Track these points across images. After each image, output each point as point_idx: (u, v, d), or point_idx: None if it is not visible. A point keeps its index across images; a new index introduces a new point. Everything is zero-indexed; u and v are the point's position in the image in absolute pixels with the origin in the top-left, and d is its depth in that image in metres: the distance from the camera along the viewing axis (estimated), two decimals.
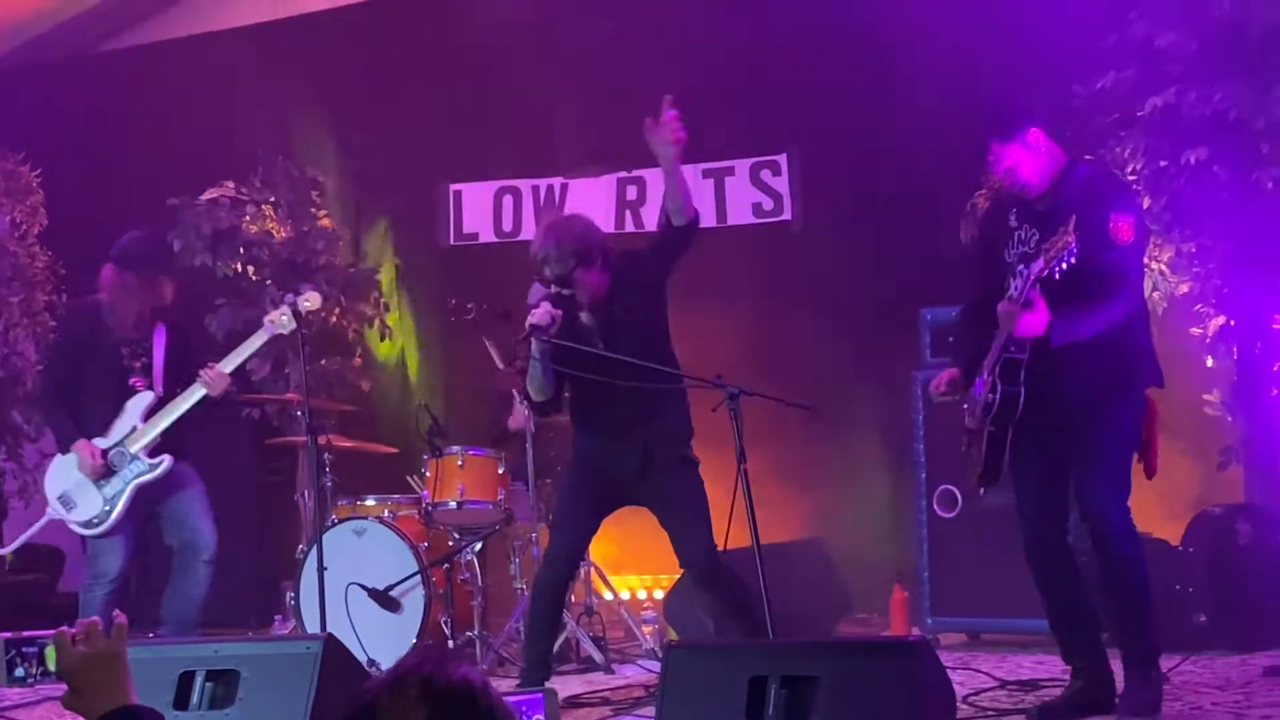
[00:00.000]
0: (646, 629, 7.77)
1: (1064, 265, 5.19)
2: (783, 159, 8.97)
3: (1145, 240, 5.87)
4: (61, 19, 11.08)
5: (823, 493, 8.46)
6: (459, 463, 7.57)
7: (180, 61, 10.64)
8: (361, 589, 7.33)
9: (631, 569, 8.97)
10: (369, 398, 9.35)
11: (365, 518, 7.60)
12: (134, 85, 10.74)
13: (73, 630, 2.82)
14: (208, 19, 10.88)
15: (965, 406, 5.64)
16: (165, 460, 6.96)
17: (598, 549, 8.02)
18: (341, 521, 7.60)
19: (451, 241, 9.82)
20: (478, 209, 9.81)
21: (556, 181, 9.60)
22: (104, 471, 6.93)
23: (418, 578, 7.31)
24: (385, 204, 9.92)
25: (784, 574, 6.74)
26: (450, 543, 7.63)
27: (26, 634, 7.23)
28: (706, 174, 9.24)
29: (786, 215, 8.77)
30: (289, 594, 7.77)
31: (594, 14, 9.49)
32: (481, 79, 9.65)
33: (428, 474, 7.65)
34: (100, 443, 6.94)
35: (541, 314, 5.85)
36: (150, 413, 6.98)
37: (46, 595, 10.23)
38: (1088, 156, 7.58)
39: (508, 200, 9.73)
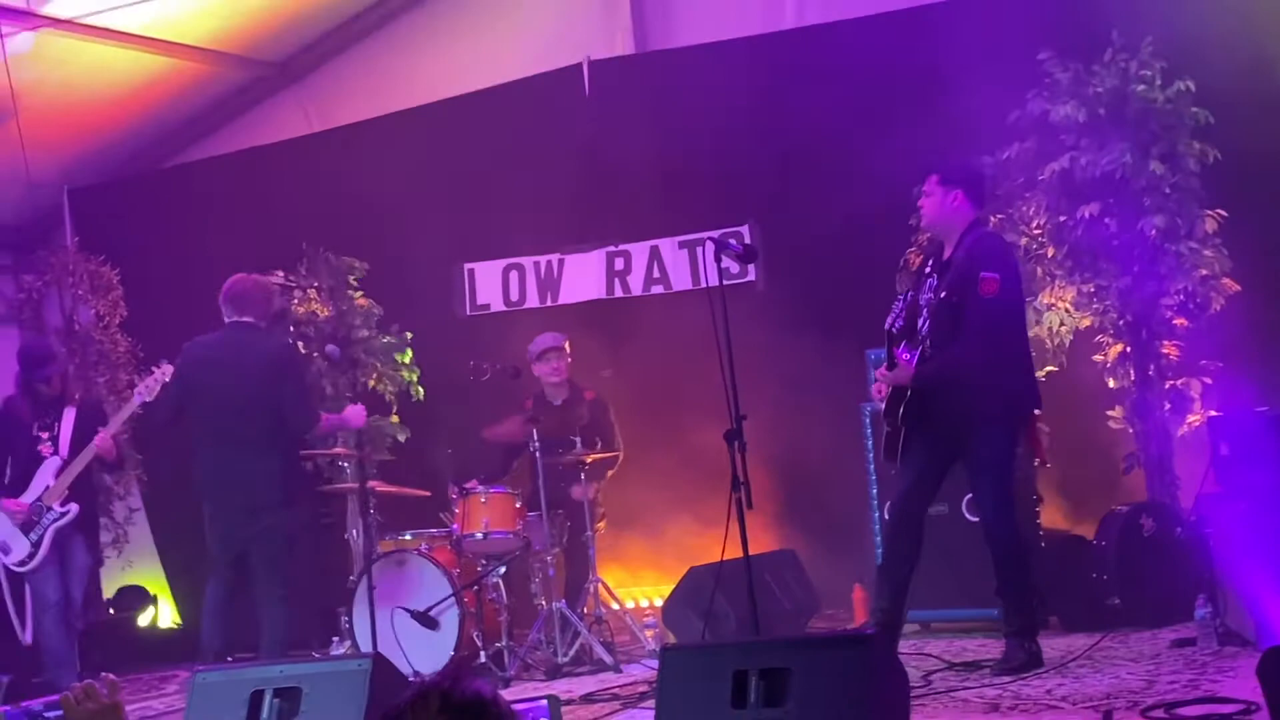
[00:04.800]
0: (648, 633, 7.75)
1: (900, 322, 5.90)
2: (745, 229, 9.02)
3: (1010, 297, 6.00)
4: (135, 140, 11.17)
5: (792, 509, 8.48)
6: (482, 499, 7.59)
7: (233, 171, 10.72)
8: (405, 611, 7.36)
9: (635, 583, 8.98)
10: (405, 448, 9.35)
11: (405, 550, 7.62)
12: (196, 192, 10.80)
13: (74, 692, 2.85)
14: (256, 135, 10.96)
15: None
16: (71, 508, 7.45)
17: (605, 569, 8.05)
18: (385, 554, 7.62)
19: (468, 312, 9.85)
20: (488, 283, 9.84)
21: (555, 257, 9.63)
22: (29, 520, 7.46)
23: (452, 599, 7.33)
24: (410, 282, 9.94)
25: (764, 580, 6.79)
26: (478, 568, 7.64)
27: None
28: (682, 244, 9.29)
29: (751, 277, 8.81)
30: (344, 618, 7.77)
31: (578, 118, 9.55)
32: (487, 176, 9.71)
33: (456, 510, 7.67)
34: (19, 501, 7.48)
35: None
36: (58, 472, 7.47)
37: (141, 634, 10.22)
38: (999, 215, 7.70)
39: (514, 275, 9.77)
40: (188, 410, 7.11)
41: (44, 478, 7.52)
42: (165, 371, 7.29)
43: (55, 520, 7.46)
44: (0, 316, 10.93)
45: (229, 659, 6.89)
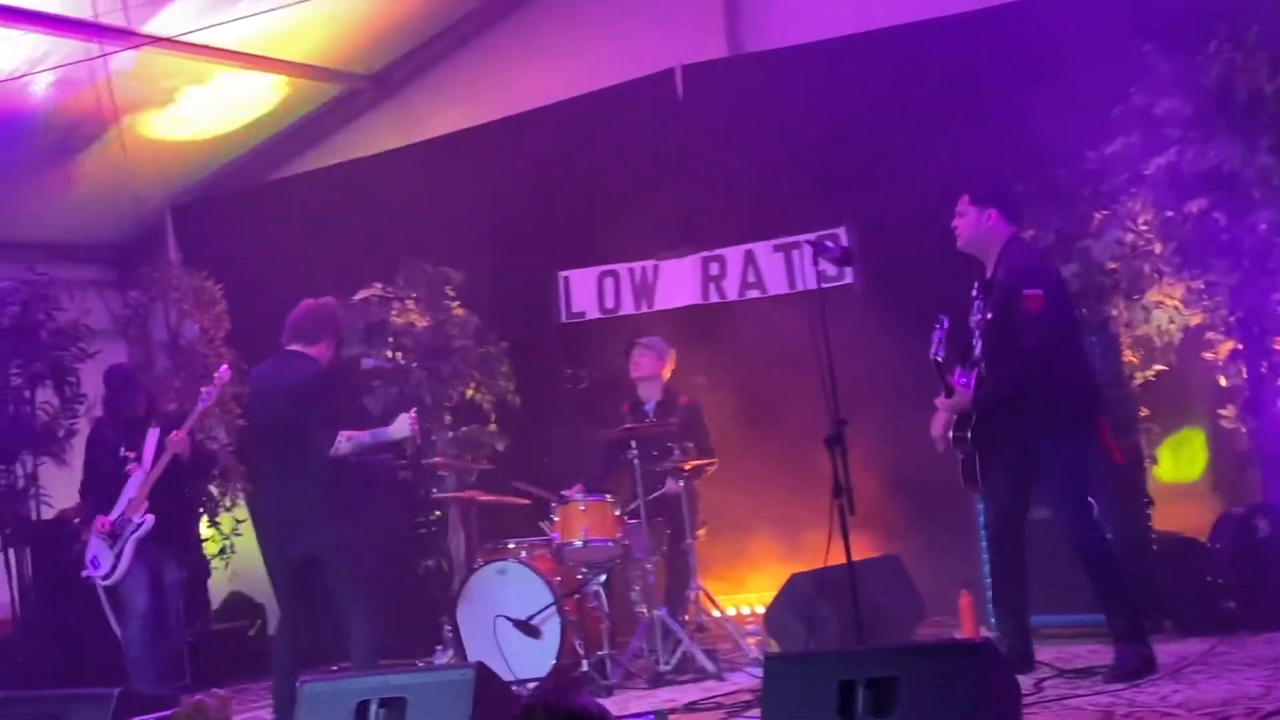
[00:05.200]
0: (750, 640, 7.70)
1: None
2: (841, 231, 8.90)
3: (1056, 309, 6.01)
4: (234, 156, 11.32)
5: (895, 514, 8.34)
6: (581, 508, 7.57)
7: (331, 185, 10.80)
8: (507, 619, 7.34)
9: (735, 590, 8.89)
10: (504, 457, 9.35)
11: (506, 559, 7.61)
12: (295, 206, 10.91)
13: (185, 708, 2.84)
14: (352, 148, 11.05)
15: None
16: (147, 519, 7.68)
17: (705, 574, 7.98)
18: (487, 563, 7.62)
19: (563, 320, 9.84)
20: (584, 291, 9.82)
21: (650, 263, 9.58)
22: (113, 535, 7.70)
23: (554, 607, 7.31)
24: (506, 291, 9.95)
25: (869, 587, 6.68)
26: (579, 576, 7.61)
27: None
28: (777, 248, 9.20)
29: (849, 280, 8.67)
30: (446, 626, 7.78)
31: (672, 123, 9.50)
32: (581, 184, 9.70)
33: (556, 519, 7.65)
34: (108, 517, 7.73)
35: None
36: (141, 485, 7.72)
37: (247, 644, 10.31)
38: (1103, 211, 7.53)
39: (609, 282, 9.73)
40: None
41: (128, 492, 7.77)
42: (224, 374, 7.82)
43: (134, 531, 7.68)
44: (107, 331, 11.09)
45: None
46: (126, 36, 8.77)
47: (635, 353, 8.35)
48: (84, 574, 7.89)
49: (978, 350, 6.05)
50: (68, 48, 8.66)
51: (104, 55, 8.54)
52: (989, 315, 5.98)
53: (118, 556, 7.71)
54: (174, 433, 7.75)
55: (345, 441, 6.68)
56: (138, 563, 7.71)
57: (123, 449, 7.88)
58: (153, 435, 7.85)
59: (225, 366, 7.90)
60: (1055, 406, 5.91)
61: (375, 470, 7.98)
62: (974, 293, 6.19)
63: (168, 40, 9.07)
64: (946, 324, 6.02)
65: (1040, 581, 6.52)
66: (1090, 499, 6.06)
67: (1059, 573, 6.75)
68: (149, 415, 8.04)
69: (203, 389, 7.83)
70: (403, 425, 6.80)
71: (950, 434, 6.11)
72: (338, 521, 6.82)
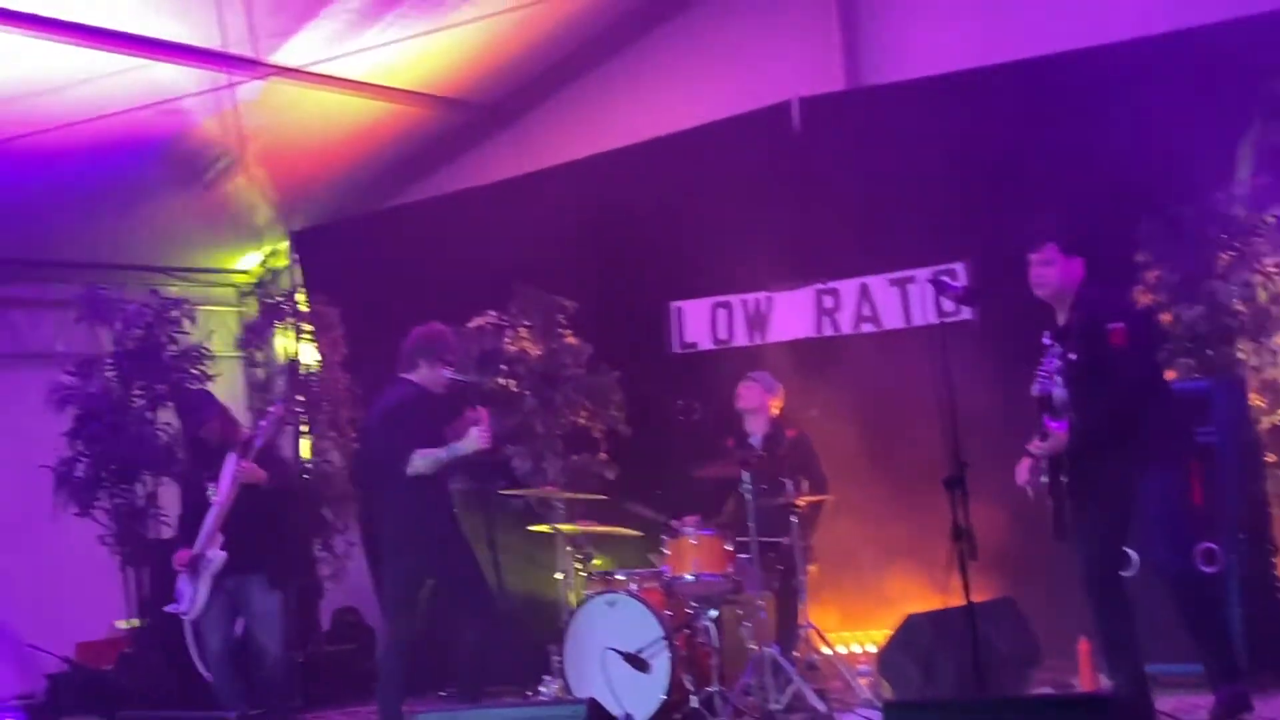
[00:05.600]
0: (862, 680, 7.58)
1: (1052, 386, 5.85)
2: (960, 266, 8.78)
3: (1142, 342, 5.99)
4: (354, 183, 11.48)
5: (1011, 555, 8.19)
6: (693, 541, 7.53)
7: (447, 212, 10.89)
8: (615, 652, 7.31)
9: (844, 628, 8.77)
10: (614, 486, 9.33)
11: (616, 591, 7.59)
12: (412, 233, 11.01)
13: None
14: (468, 176, 11.15)
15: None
16: (218, 555, 7.48)
17: (816, 611, 7.90)
18: (597, 594, 7.60)
19: (676, 350, 9.82)
20: (697, 321, 9.79)
21: (763, 295, 9.53)
22: (192, 569, 7.55)
23: (663, 641, 7.26)
24: (618, 320, 9.97)
25: (985, 630, 6.56)
26: (688, 610, 7.56)
27: None
28: (893, 282, 9.11)
29: (967, 315, 8.53)
30: (554, 657, 7.77)
31: (788, 155, 9.45)
32: (695, 214, 9.67)
33: (667, 552, 7.62)
34: (190, 552, 7.58)
35: None
36: (214, 518, 7.53)
37: (360, 664, 10.40)
38: (1229, 253, 7.36)
39: (722, 313, 9.70)
40: None
41: (205, 526, 7.57)
42: (277, 410, 7.79)
43: (208, 567, 7.51)
44: (227, 355, 11.29)
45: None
46: (254, 67, 8.94)
47: (742, 385, 8.32)
48: (166, 608, 7.79)
49: (1059, 395, 5.94)
50: (197, 77, 8.83)
51: (232, 85, 8.70)
52: (1072, 357, 5.89)
53: (194, 592, 7.56)
54: (241, 463, 7.52)
55: (420, 459, 6.76)
56: (215, 598, 7.56)
57: (205, 479, 7.69)
58: (229, 463, 7.61)
59: (280, 404, 7.84)
60: (1152, 441, 5.84)
61: (483, 496, 8.04)
62: (1046, 340, 6.10)
63: (294, 71, 9.23)
64: (1057, 353, 5.92)
65: (1158, 629, 6.38)
66: (1212, 545, 5.90)
67: (1176, 619, 6.59)
68: (225, 441, 7.77)
69: (260, 421, 7.69)
70: (473, 438, 6.81)
71: (1042, 479, 6.02)
72: (400, 551, 6.95)
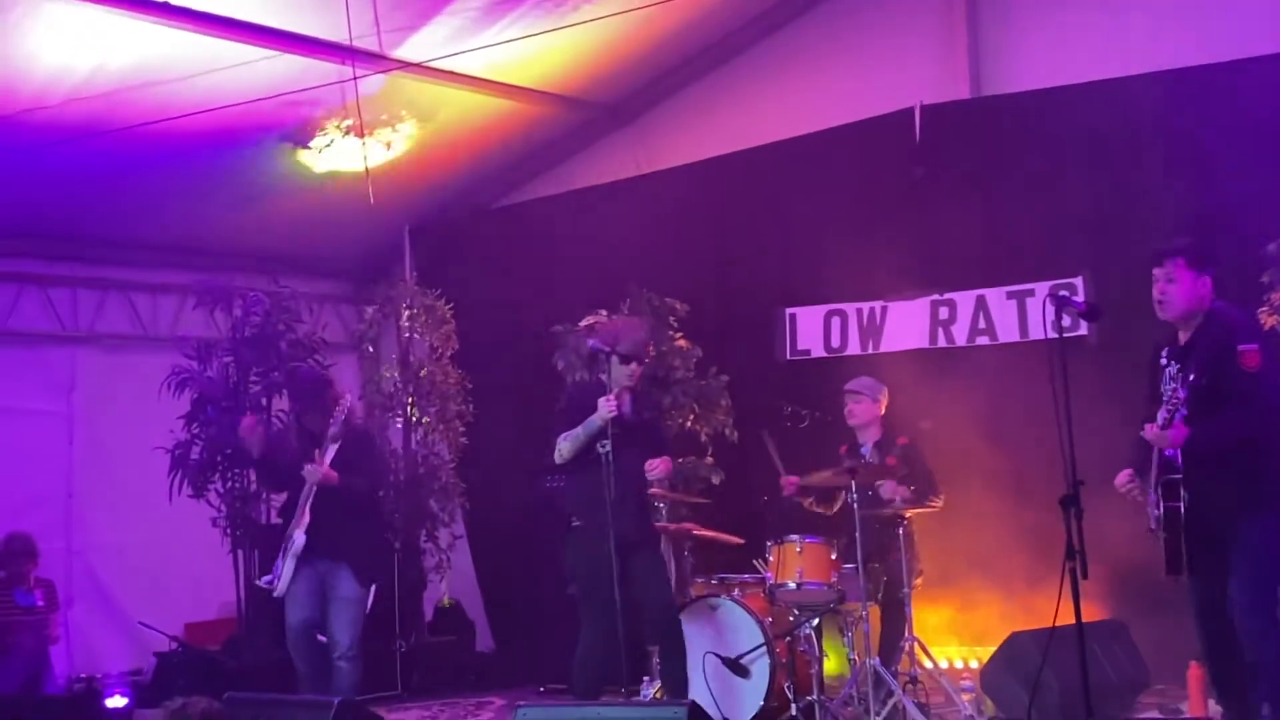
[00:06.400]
0: (965, 696, 7.50)
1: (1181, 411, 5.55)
2: (1079, 281, 8.66)
3: (1274, 367, 5.63)
4: (471, 180, 11.60)
5: (1122, 575, 8.05)
6: (798, 549, 7.51)
7: (563, 211, 10.97)
8: (716, 657, 7.31)
9: (948, 642, 8.69)
10: (720, 491, 9.32)
11: (719, 595, 7.58)
12: (527, 231, 11.13)
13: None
14: (585, 175, 11.21)
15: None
16: (298, 535, 7.42)
17: (918, 621, 7.83)
18: (699, 598, 7.60)
19: (788, 357, 9.79)
20: (810, 329, 9.75)
21: (878, 304, 9.47)
22: (283, 548, 7.51)
23: (764, 648, 7.25)
24: (730, 325, 9.96)
25: (1093, 652, 6.47)
26: (790, 618, 7.54)
27: None
28: (1010, 295, 9.00)
29: (1084, 331, 8.41)
30: (655, 659, 7.78)
31: (908, 163, 9.38)
32: (812, 220, 9.65)
33: (771, 558, 7.60)
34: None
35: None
36: (307, 500, 7.46)
37: (461, 656, 10.51)
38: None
39: (835, 321, 9.65)
40: None
41: (298, 506, 7.53)
42: (345, 404, 7.58)
43: (291, 546, 7.46)
44: (341, 345, 11.47)
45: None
46: (378, 61, 9.06)
47: (848, 402, 8.24)
48: (257, 580, 7.82)
49: (1178, 418, 5.63)
50: (323, 69, 8.97)
51: (356, 78, 8.82)
52: (1190, 378, 5.58)
53: (283, 569, 7.52)
54: (309, 465, 7.42)
55: (564, 442, 6.77)
56: (300, 577, 7.48)
57: (306, 461, 7.55)
58: (332, 447, 7.52)
59: (349, 396, 7.69)
60: (1265, 481, 5.58)
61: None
62: (1163, 360, 5.87)
63: (417, 65, 9.34)
64: (1174, 374, 5.73)
65: None
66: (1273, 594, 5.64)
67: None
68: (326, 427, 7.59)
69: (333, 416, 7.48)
70: (604, 408, 6.77)
71: (1157, 510, 5.75)
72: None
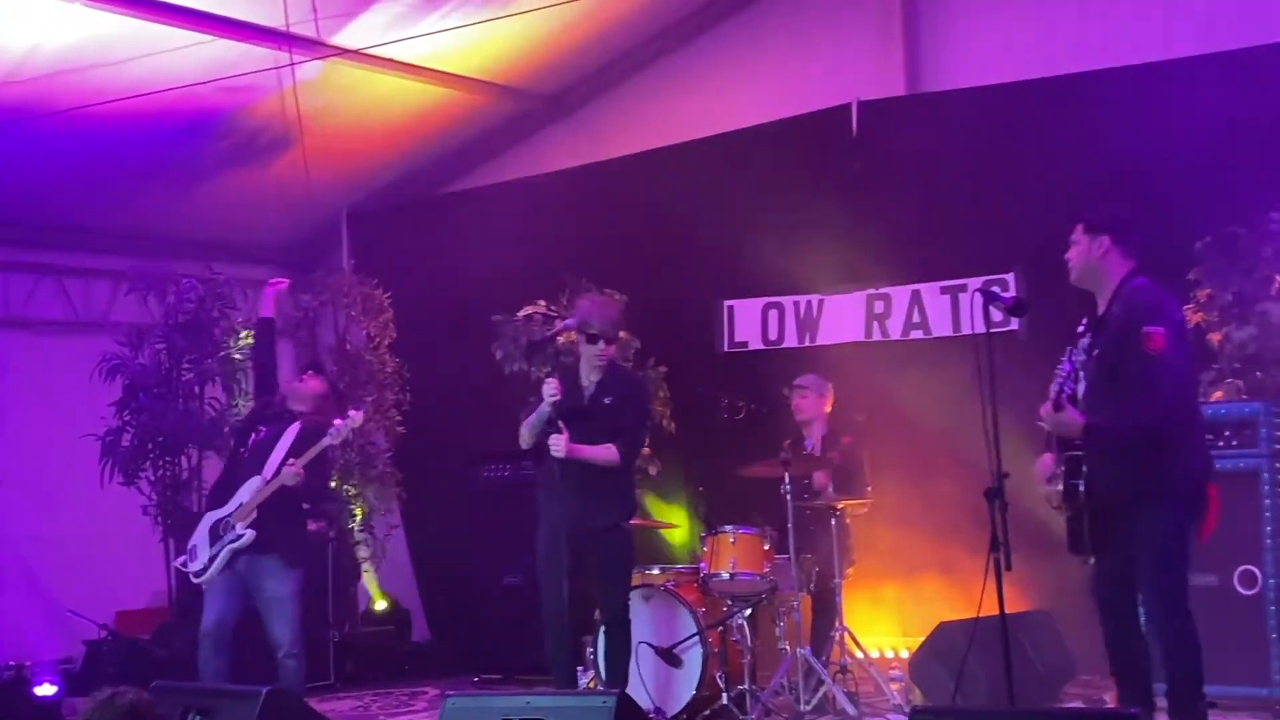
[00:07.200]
0: (894, 685, 7.63)
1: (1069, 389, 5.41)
2: (1010, 277, 8.79)
3: (1178, 354, 5.41)
4: (410, 167, 11.59)
5: (1046, 567, 8.19)
6: (731, 540, 7.58)
7: (501, 201, 10.99)
8: (649, 646, 7.38)
9: (877, 632, 8.81)
10: (656, 482, 9.39)
11: (652, 585, 7.65)
12: (465, 220, 11.11)
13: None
14: (524, 166, 11.24)
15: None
16: (247, 533, 6.97)
17: (850, 612, 7.94)
18: (633, 589, 7.66)
19: (725, 349, 9.87)
20: (747, 321, 9.84)
21: (815, 297, 9.57)
22: (214, 536, 7.07)
23: (697, 638, 7.32)
24: (668, 316, 10.02)
25: (1020, 642, 6.59)
26: (724, 608, 7.62)
27: None
28: (944, 290, 9.13)
29: (1014, 326, 8.54)
30: (589, 649, 7.84)
31: (845, 159, 9.51)
32: (749, 214, 9.73)
33: (705, 549, 7.67)
34: (218, 513, 7.12)
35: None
36: (255, 492, 7.03)
37: (396, 646, 10.53)
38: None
39: (773, 314, 9.74)
40: None
41: (241, 494, 7.09)
42: (355, 418, 7.22)
43: (232, 541, 6.99)
44: (277, 332, 11.39)
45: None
46: (315, 47, 9.05)
47: (794, 397, 8.36)
48: (176, 560, 7.46)
49: (1080, 392, 5.52)
50: (258, 55, 8.94)
51: (293, 64, 8.81)
52: (1096, 353, 5.49)
53: (210, 560, 7.04)
54: (292, 464, 6.94)
55: (524, 429, 6.81)
56: (227, 574, 7.04)
57: (253, 436, 7.23)
58: (290, 433, 7.14)
59: (359, 410, 7.37)
60: (1164, 471, 5.39)
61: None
62: (1080, 329, 5.68)
63: (354, 53, 9.34)
64: (1084, 345, 5.61)
65: (1209, 652, 6.32)
66: (1252, 568, 5.70)
67: (1227, 641, 6.57)
68: (289, 410, 7.32)
69: (335, 420, 7.09)
70: (544, 393, 6.72)
71: (1060, 485, 5.55)
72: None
